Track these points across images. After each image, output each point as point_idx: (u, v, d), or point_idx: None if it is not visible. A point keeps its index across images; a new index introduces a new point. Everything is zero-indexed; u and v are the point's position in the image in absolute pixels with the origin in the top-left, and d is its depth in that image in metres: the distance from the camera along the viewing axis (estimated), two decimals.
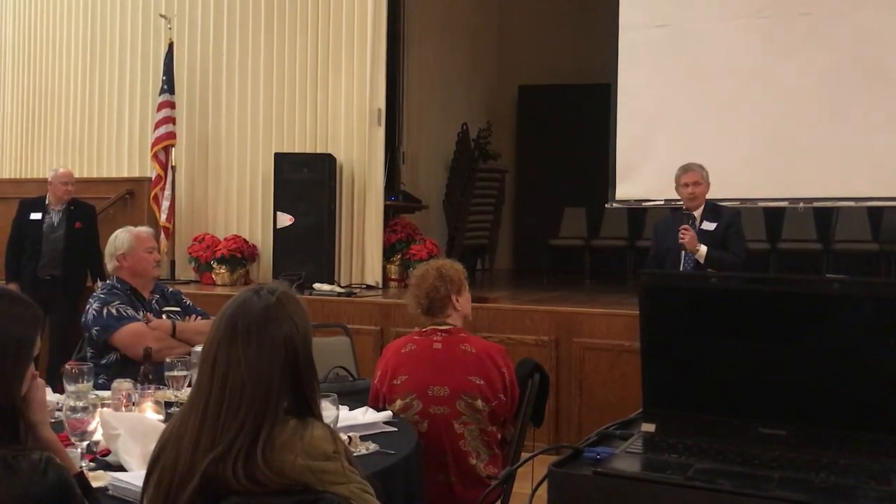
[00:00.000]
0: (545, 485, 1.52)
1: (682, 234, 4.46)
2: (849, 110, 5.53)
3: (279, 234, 6.45)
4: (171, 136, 6.83)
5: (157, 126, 6.84)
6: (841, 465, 1.49)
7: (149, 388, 2.49)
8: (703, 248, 4.45)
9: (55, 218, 6.04)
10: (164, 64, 6.89)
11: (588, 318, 4.96)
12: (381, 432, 2.43)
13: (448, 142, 9.00)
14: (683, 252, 4.53)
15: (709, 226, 4.55)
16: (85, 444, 2.06)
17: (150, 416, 2.33)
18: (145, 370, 2.69)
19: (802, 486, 1.41)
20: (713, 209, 4.64)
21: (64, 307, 5.85)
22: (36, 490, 1.44)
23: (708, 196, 4.69)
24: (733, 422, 1.64)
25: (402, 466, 2.21)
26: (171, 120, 6.83)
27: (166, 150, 6.82)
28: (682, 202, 4.75)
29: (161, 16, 7.07)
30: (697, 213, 4.62)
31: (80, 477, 1.63)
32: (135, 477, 1.87)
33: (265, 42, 6.86)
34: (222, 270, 6.62)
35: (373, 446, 2.28)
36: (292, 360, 1.62)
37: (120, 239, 3.41)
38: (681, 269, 4.48)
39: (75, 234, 6.01)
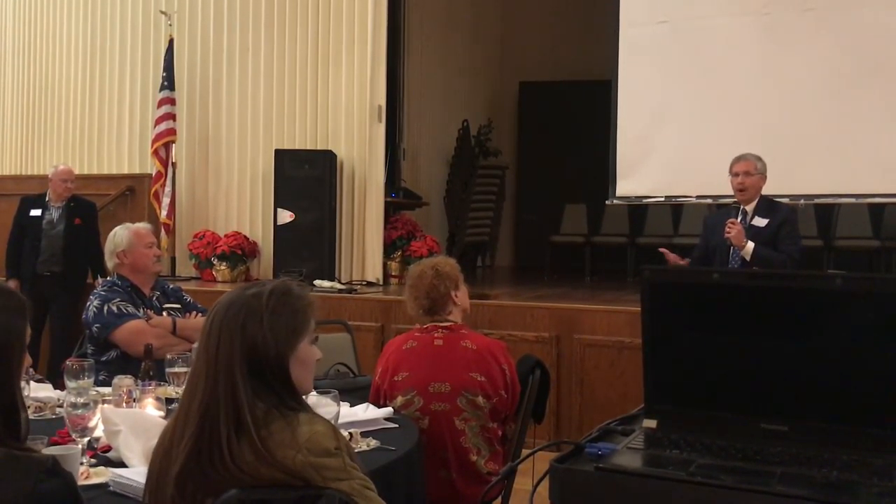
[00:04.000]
0: (546, 481, 1.52)
1: (729, 227, 4.21)
2: (851, 106, 5.52)
3: (280, 230, 6.45)
4: (172, 132, 6.84)
5: (157, 122, 6.84)
6: (843, 460, 1.49)
7: (150, 385, 2.49)
8: (751, 245, 4.20)
9: (55, 214, 6.05)
10: (165, 60, 6.89)
11: (589, 314, 4.96)
12: (382, 429, 2.43)
13: (449, 138, 9.01)
14: (731, 248, 4.30)
15: (760, 222, 4.27)
16: (86, 440, 2.06)
17: (150, 412, 2.32)
18: (146, 367, 2.69)
19: (804, 482, 1.41)
20: (768, 205, 4.35)
21: (64, 303, 5.85)
22: (39, 490, 1.43)
23: (714, 192, 4.53)
24: (735, 418, 1.64)
25: (404, 463, 2.21)
26: (171, 116, 6.83)
27: (167, 146, 6.83)
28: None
29: (161, 12, 7.07)
30: (750, 208, 4.34)
31: None
32: (136, 473, 1.87)
33: (265, 38, 6.85)
34: (223, 267, 6.62)
35: (374, 443, 2.27)
36: (250, 352, 1.61)
37: (119, 236, 3.41)
38: (728, 265, 4.27)
39: (75, 231, 6.01)
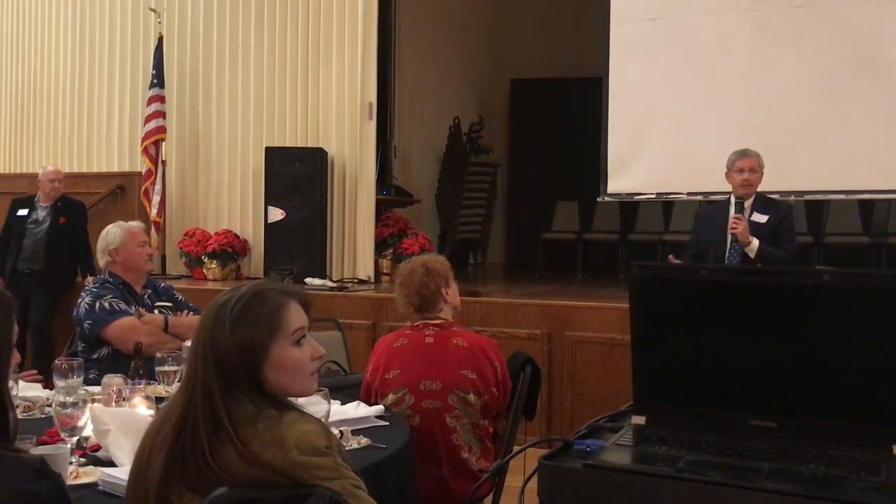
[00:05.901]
0: (536, 478, 1.52)
1: (735, 223, 4.08)
2: (841, 103, 5.54)
3: (270, 228, 6.44)
4: (162, 130, 6.82)
5: (147, 120, 6.82)
6: (830, 456, 1.50)
7: (140, 384, 2.48)
8: (756, 242, 4.08)
9: (41, 214, 6.08)
10: (154, 58, 6.87)
11: (580, 311, 4.97)
12: (373, 426, 2.42)
13: (440, 136, 9.00)
14: (730, 244, 4.20)
15: (760, 218, 4.19)
16: (75, 439, 2.05)
17: (140, 411, 2.32)
18: (136, 365, 2.68)
19: (792, 478, 1.41)
20: (765, 201, 4.29)
21: (43, 301, 5.87)
22: (27, 491, 1.42)
23: (705, 189, 4.51)
24: (723, 414, 1.64)
25: (395, 461, 2.21)
26: (161, 114, 6.81)
27: (157, 144, 6.81)
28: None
29: (151, 9, 7.04)
30: (747, 205, 4.24)
31: None
32: (125, 472, 1.86)
33: (256, 35, 6.83)
34: (213, 265, 6.60)
35: (365, 440, 2.27)
36: (221, 363, 1.59)
37: (111, 234, 3.41)
38: (725, 261, 4.18)
39: (59, 230, 6.03)
